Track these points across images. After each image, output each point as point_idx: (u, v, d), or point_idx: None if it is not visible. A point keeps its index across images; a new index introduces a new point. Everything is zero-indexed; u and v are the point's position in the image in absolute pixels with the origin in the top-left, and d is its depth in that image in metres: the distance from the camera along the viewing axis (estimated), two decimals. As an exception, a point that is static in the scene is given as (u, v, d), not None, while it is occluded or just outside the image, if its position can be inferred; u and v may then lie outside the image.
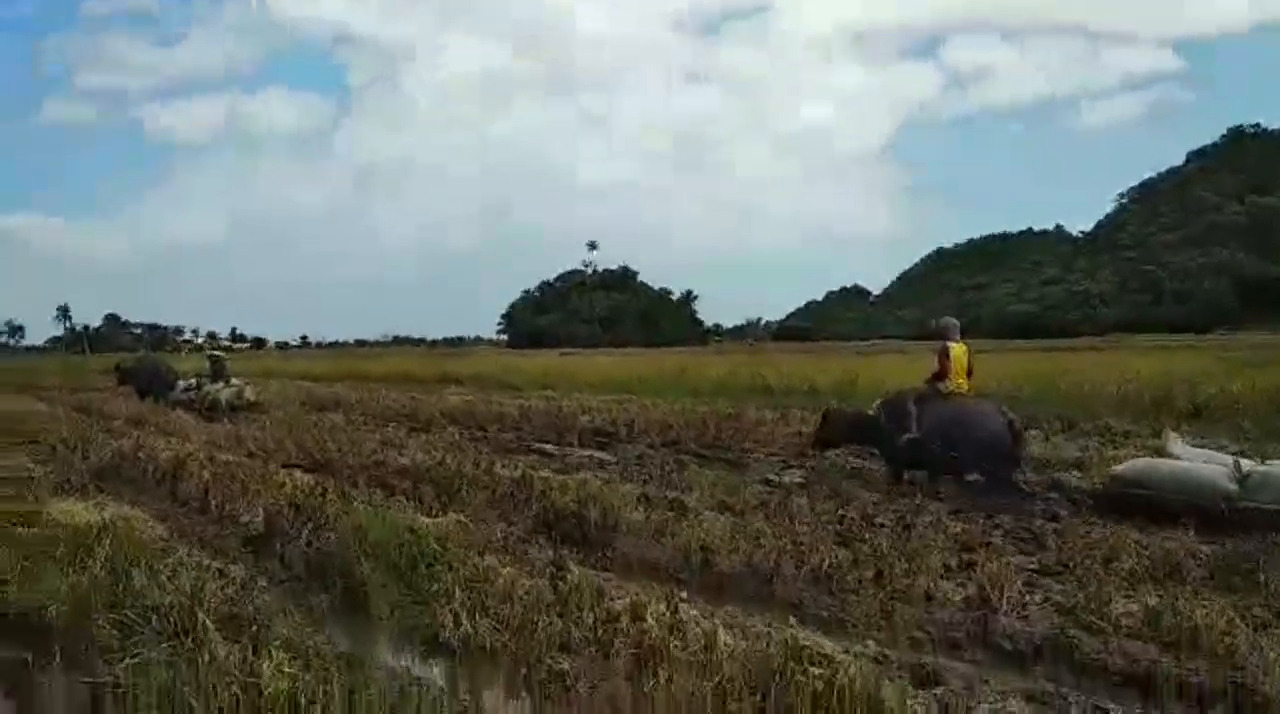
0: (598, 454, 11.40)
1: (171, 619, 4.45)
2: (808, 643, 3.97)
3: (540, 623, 4.60)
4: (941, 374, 8.70)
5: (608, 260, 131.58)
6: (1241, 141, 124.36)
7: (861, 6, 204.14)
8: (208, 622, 4.26)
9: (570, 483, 7.99)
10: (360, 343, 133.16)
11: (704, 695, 3.78)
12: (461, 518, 6.95)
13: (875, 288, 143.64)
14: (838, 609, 5.06)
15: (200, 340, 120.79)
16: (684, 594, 5.16)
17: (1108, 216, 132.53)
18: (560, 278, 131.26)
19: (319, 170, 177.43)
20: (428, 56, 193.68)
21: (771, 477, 9.22)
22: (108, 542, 5.80)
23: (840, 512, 7.02)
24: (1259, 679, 3.81)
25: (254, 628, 4.35)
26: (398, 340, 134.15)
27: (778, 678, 3.75)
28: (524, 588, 5.10)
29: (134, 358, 24.37)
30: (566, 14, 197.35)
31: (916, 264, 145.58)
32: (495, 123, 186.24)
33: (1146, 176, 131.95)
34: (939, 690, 3.78)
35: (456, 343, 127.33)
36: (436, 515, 7.02)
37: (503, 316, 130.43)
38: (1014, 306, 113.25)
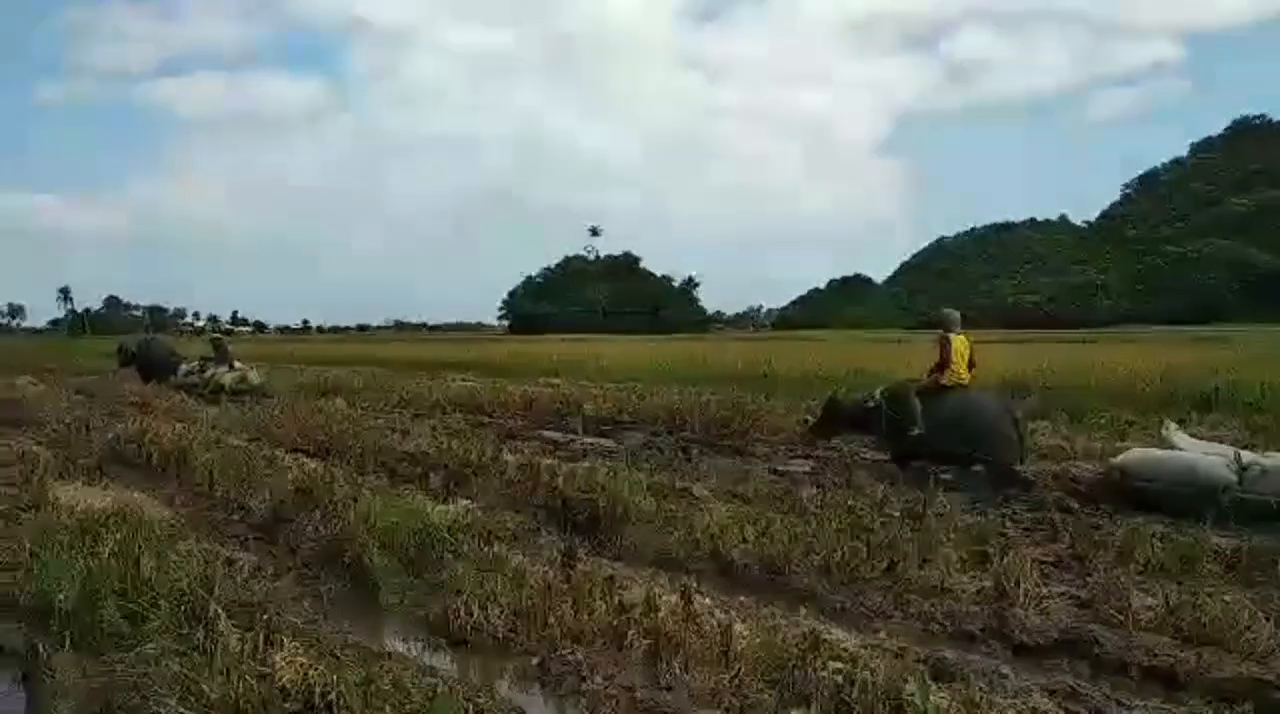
0: (603, 442, 11.35)
1: (183, 607, 4.40)
2: (827, 636, 3.93)
3: (552, 613, 4.56)
4: (942, 365, 8.68)
5: (610, 246, 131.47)
6: (1245, 132, 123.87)
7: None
8: (219, 610, 4.21)
9: (578, 471, 7.93)
10: (362, 328, 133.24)
11: (721, 688, 3.74)
12: (470, 505, 6.91)
13: (878, 277, 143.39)
14: (851, 601, 5.02)
15: (201, 323, 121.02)
16: (695, 584, 5.12)
17: (1112, 207, 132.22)
18: (562, 263, 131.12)
19: (321, 152, 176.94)
20: (430, 37, 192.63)
21: (779, 466, 9.17)
22: (116, 527, 5.76)
23: (850, 502, 6.97)
24: (1282, 675, 3.77)
25: (265, 616, 4.30)
26: (399, 325, 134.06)
27: (796, 671, 3.71)
28: (535, 577, 5.06)
29: (137, 340, 24.24)
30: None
31: (918, 253, 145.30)
32: (498, 107, 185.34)
33: (1150, 167, 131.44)
34: (959, 685, 3.72)
35: (457, 328, 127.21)
36: (444, 502, 6.98)
37: (503, 302, 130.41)
38: (1016, 297, 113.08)
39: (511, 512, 6.99)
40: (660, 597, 4.62)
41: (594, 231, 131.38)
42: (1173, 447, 7.56)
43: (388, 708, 3.40)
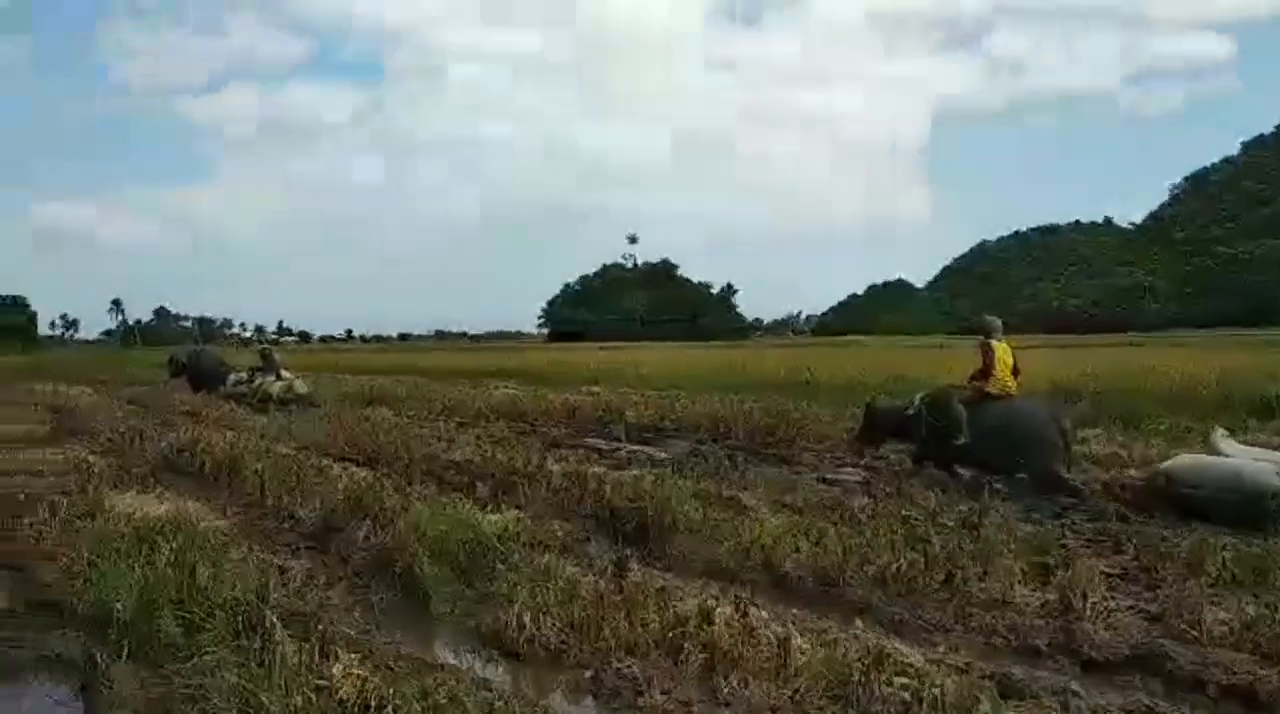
0: (646, 450, 11.30)
1: (238, 617, 4.42)
2: (890, 650, 3.82)
3: (605, 624, 4.50)
4: (985, 372, 8.57)
5: (648, 252, 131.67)
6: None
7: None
8: (275, 620, 4.22)
9: (624, 479, 7.89)
10: (404, 337, 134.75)
11: (781, 703, 3.66)
12: (519, 514, 6.89)
13: (918, 281, 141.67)
14: (910, 614, 4.90)
15: (248, 334, 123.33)
16: (749, 596, 5.03)
17: (1160, 207, 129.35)
18: (600, 272, 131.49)
19: (362, 162, 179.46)
20: (466, 47, 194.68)
21: (828, 475, 9.05)
22: (171, 536, 5.82)
23: (903, 512, 6.83)
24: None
25: (320, 627, 4.30)
26: (440, 334, 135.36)
27: (860, 687, 3.61)
28: (587, 587, 5.01)
29: (187, 351, 24.75)
30: (603, 2, 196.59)
31: (960, 257, 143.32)
32: (533, 114, 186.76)
33: (1199, 166, 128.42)
34: (1029, 703, 3.60)
35: (497, 337, 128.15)
36: (492, 511, 6.97)
37: (543, 310, 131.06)
38: (1061, 300, 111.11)
39: (559, 520, 6.96)
40: (714, 608, 4.55)
41: (632, 239, 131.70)
42: (1219, 453, 7.41)
43: (445, 722, 3.37)
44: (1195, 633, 4.31)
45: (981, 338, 8.76)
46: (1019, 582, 5.17)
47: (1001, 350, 8.62)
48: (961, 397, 8.60)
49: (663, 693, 3.84)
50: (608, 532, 6.70)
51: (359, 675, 3.60)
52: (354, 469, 9.04)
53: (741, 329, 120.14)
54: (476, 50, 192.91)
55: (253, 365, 19.61)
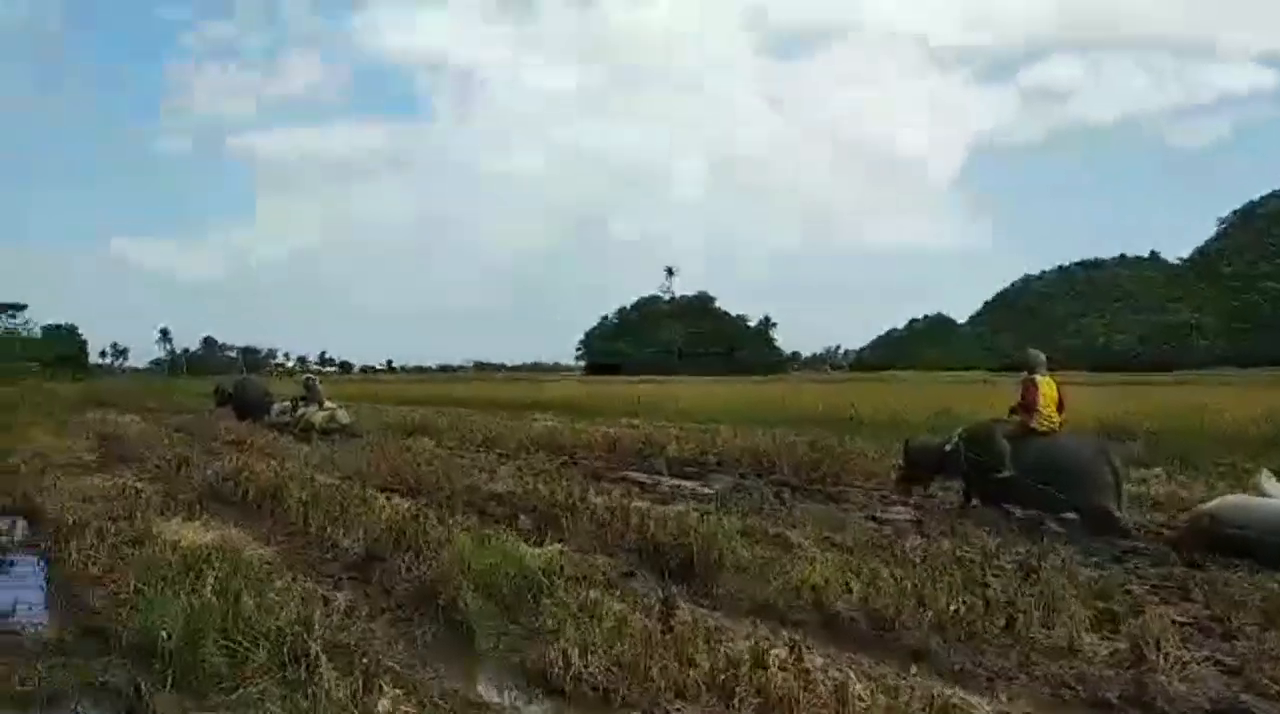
0: (688, 484, 11.18)
1: (283, 647, 4.36)
2: (956, 700, 3.65)
3: (654, 664, 4.37)
4: (1025, 407, 8.44)
5: (684, 285, 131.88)
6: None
7: (940, 27, 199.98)
8: (320, 652, 4.15)
9: (668, 514, 7.77)
10: (443, 368, 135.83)
11: (841, 753, 3.50)
12: (562, 547, 6.79)
13: (959, 316, 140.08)
14: (970, 660, 4.70)
15: (291, 363, 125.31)
16: (800, 638, 4.87)
17: (1208, 242, 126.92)
18: (637, 304, 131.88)
19: (402, 196, 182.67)
20: (507, 81, 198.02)
21: (877, 513, 8.85)
22: (217, 564, 5.81)
23: (958, 552, 6.62)
24: None
25: (364, 660, 4.23)
26: (479, 366, 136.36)
27: (924, 738, 3.45)
28: (634, 625, 4.89)
29: (232, 381, 25.15)
30: (645, 34, 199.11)
31: (1002, 291, 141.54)
32: (570, 146, 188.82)
33: (1247, 200, 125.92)
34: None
35: (534, 369, 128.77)
36: (536, 544, 6.88)
37: (580, 343, 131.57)
38: (1107, 337, 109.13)
39: (603, 555, 6.86)
40: (767, 650, 4.40)
41: (669, 272, 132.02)
42: (1264, 494, 7.23)
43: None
44: (1279, 688, 4.08)
45: (1025, 373, 8.63)
46: (1085, 629, 4.95)
47: (1045, 385, 8.51)
48: (1005, 431, 8.45)
49: (716, 738, 3.70)
50: (652, 567, 6.58)
51: (405, 712, 3.51)
52: (396, 499, 9.01)
53: (779, 363, 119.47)
54: (515, 83, 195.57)
55: (296, 395, 19.84)
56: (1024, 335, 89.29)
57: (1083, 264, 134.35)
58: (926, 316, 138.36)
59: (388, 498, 9.00)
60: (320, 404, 18.77)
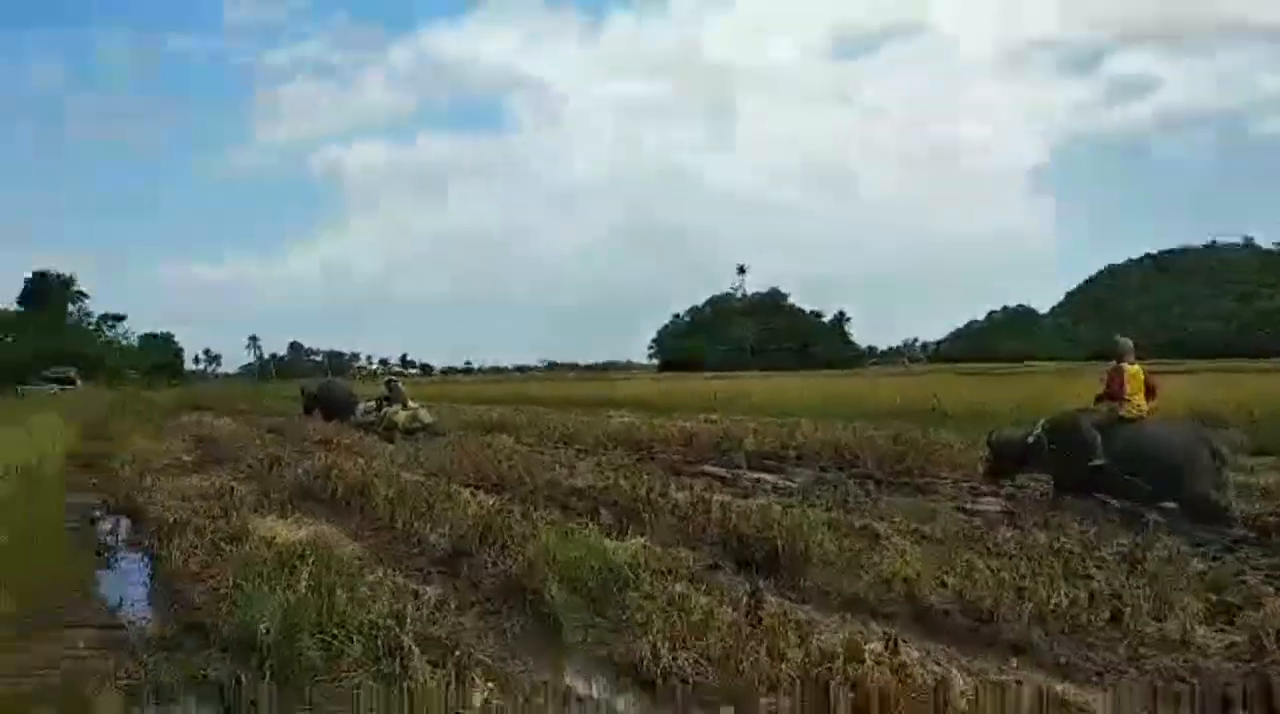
0: (768, 477, 11.05)
1: (376, 640, 4.43)
2: (1068, 695, 3.49)
3: (744, 657, 4.30)
4: (1112, 395, 8.25)
5: (758, 282, 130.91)
6: None
7: (1018, 22, 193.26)
8: (412, 645, 4.20)
9: (750, 507, 7.68)
10: (520, 368, 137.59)
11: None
12: (645, 541, 6.76)
13: (1042, 307, 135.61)
14: (1075, 654, 4.50)
15: (374, 366, 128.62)
16: (894, 631, 4.74)
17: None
18: (710, 302, 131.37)
19: (481, 203, 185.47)
20: (582, 90, 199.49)
21: (967, 504, 8.60)
22: (310, 559, 5.95)
23: (1056, 544, 6.37)
24: None
25: (456, 653, 4.26)
26: (553, 365, 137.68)
27: (1034, 734, 3.31)
28: (721, 618, 4.83)
29: (317, 383, 25.86)
30: (721, 41, 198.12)
31: (1086, 282, 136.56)
32: (646, 152, 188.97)
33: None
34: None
35: (607, 367, 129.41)
36: (618, 538, 6.87)
37: (653, 341, 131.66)
38: (1196, 324, 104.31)
39: (686, 548, 6.80)
40: (862, 644, 4.29)
41: (741, 269, 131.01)
42: None
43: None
44: None
45: (1115, 363, 8.34)
46: (1198, 621, 4.70)
47: (1133, 372, 8.23)
48: (1092, 420, 8.17)
49: (813, 732, 3.61)
50: (736, 560, 6.51)
51: (500, 706, 3.52)
52: (480, 495, 9.12)
53: (855, 357, 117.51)
54: (586, 94, 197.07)
55: (379, 396, 20.28)
56: (1108, 325, 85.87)
57: (1170, 252, 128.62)
58: (1006, 308, 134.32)
59: (472, 494, 9.12)
60: (403, 404, 19.15)
